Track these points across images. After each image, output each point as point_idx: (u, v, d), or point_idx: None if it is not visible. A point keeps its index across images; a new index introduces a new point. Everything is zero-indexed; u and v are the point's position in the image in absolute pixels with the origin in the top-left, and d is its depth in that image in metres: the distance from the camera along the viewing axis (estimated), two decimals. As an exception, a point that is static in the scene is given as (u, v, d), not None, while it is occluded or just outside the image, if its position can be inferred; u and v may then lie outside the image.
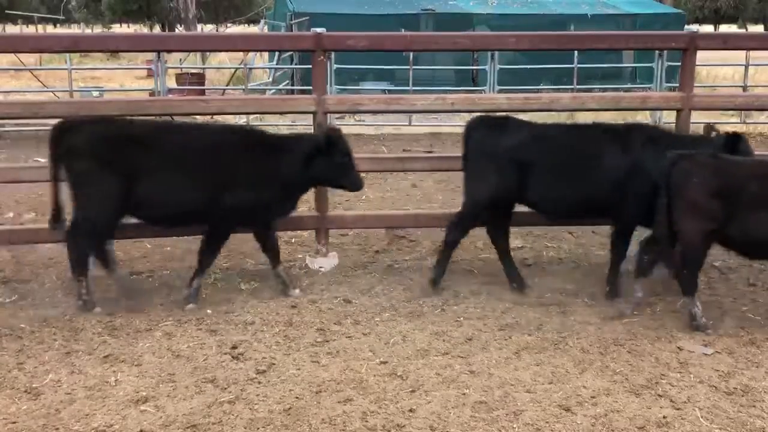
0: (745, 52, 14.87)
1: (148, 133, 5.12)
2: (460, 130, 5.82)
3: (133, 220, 5.26)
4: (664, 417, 3.68)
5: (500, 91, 13.68)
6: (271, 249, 5.45)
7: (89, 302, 5.03)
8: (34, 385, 3.98)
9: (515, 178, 5.24)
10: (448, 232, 5.47)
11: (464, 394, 3.90)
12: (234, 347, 4.45)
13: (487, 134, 5.39)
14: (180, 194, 5.02)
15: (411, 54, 15.20)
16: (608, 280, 5.36)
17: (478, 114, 5.80)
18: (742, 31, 46.71)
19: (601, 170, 5.18)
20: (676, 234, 4.77)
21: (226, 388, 3.95)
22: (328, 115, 5.87)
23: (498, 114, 5.84)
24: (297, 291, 5.38)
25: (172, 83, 16.47)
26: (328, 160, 5.18)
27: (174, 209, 5.08)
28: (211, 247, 5.23)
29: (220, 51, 18.24)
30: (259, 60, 20.48)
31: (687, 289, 4.80)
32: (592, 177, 5.21)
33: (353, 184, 5.36)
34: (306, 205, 7.81)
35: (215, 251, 5.27)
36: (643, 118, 14.27)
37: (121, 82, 22.54)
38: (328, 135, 5.21)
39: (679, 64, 6.14)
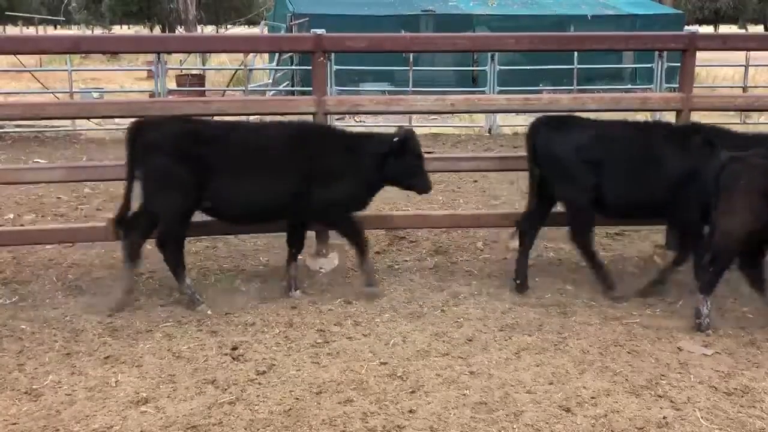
0: (744, 52, 14.88)
1: (224, 131, 5.21)
2: (460, 131, 5.82)
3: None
4: (664, 417, 3.69)
5: (500, 92, 13.68)
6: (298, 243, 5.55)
7: (196, 300, 5.12)
8: (34, 387, 3.99)
9: (589, 177, 5.22)
10: (575, 243, 5.47)
11: (464, 394, 3.91)
12: (234, 348, 4.45)
13: (553, 134, 5.38)
14: (257, 192, 5.10)
15: (411, 55, 15.21)
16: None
17: (542, 114, 5.79)
18: (742, 31, 46.72)
19: (665, 170, 5.16)
20: (713, 233, 4.75)
21: (226, 389, 3.96)
22: (328, 116, 5.87)
23: (561, 113, 5.85)
24: (297, 292, 5.39)
25: (172, 84, 16.48)
26: (400, 161, 5.23)
27: (250, 206, 5.17)
28: (297, 242, 5.43)
29: (221, 52, 18.26)
30: (260, 61, 20.47)
31: (705, 287, 4.78)
32: (657, 177, 5.17)
33: (423, 186, 5.39)
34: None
35: (302, 245, 5.47)
36: (642, 118, 14.28)
37: (121, 84, 22.55)
38: (403, 136, 5.24)
39: (679, 64, 6.14)
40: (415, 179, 5.35)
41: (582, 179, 5.25)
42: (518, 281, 5.50)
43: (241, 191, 5.07)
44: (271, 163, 5.13)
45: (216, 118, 5.85)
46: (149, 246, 6.39)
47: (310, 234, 6.21)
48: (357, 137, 5.55)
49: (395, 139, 5.24)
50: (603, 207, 5.36)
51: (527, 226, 5.61)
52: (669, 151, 5.20)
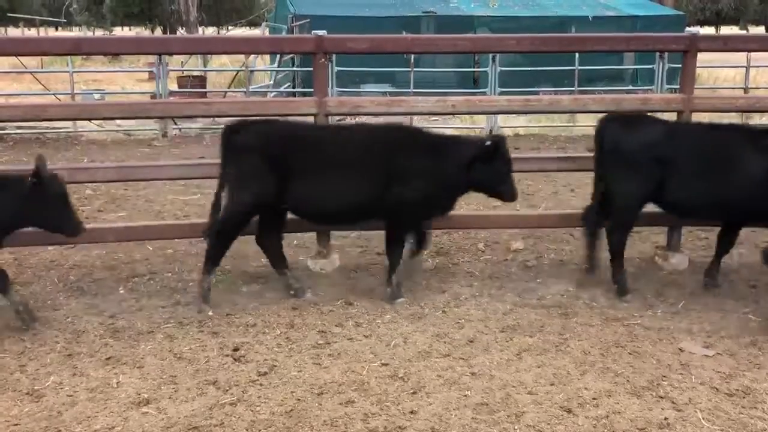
0: (745, 53, 14.87)
1: (314, 133, 5.32)
2: (461, 132, 5.83)
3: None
4: (666, 419, 3.69)
5: (501, 93, 13.68)
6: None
7: (207, 298, 5.17)
8: (36, 388, 3.99)
9: (656, 178, 5.20)
10: (609, 240, 5.44)
11: (466, 395, 3.91)
12: (236, 349, 4.45)
13: (623, 133, 5.36)
14: (343, 192, 5.14)
15: (412, 56, 15.21)
16: None
17: (611, 112, 5.76)
18: (743, 32, 46.71)
19: (740, 171, 5.11)
20: None
21: (227, 390, 3.96)
22: (329, 117, 5.87)
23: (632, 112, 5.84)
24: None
25: (173, 86, 16.49)
26: (490, 167, 5.19)
27: (337, 206, 5.21)
28: (393, 246, 5.35)
29: (222, 53, 18.25)
30: (261, 62, 20.49)
31: None
32: (732, 178, 5.12)
33: (509, 193, 5.35)
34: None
35: (399, 248, 5.34)
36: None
37: (122, 85, 22.57)
38: (494, 142, 5.20)
39: (680, 66, 6.14)
40: (503, 186, 5.30)
41: (644, 178, 5.22)
42: (587, 266, 5.57)
43: (325, 192, 5.14)
44: (356, 164, 5.17)
45: (217, 119, 5.88)
46: (150, 248, 6.42)
47: (312, 236, 6.23)
48: (445, 139, 5.55)
49: (487, 144, 5.19)
50: (667, 205, 5.36)
51: (591, 222, 5.60)
52: (745, 151, 5.14)
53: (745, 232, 6.75)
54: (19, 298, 4.79)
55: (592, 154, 5.68)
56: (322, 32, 5.82)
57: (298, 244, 6.58)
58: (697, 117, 6.09)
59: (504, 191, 5.35)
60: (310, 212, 5.34)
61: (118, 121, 13.53)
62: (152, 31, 44.15)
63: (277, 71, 17.88)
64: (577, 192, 8.60)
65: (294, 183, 5.08)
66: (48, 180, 4.63)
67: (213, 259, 5.20)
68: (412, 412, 3.73)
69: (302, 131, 5.34)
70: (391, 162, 5.15)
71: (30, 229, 4.89)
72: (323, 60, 5.79)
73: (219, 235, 5.16)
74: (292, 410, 3.75)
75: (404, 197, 5.12)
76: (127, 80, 23.87)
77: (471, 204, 7.35)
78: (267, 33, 21.15)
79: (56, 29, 49.03)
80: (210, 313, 5.03)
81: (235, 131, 5.21)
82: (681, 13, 25.41)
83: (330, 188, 5.13)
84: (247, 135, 5.17)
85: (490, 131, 5.61)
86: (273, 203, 5.16)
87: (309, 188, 5.11)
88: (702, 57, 6.29)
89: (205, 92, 17.32)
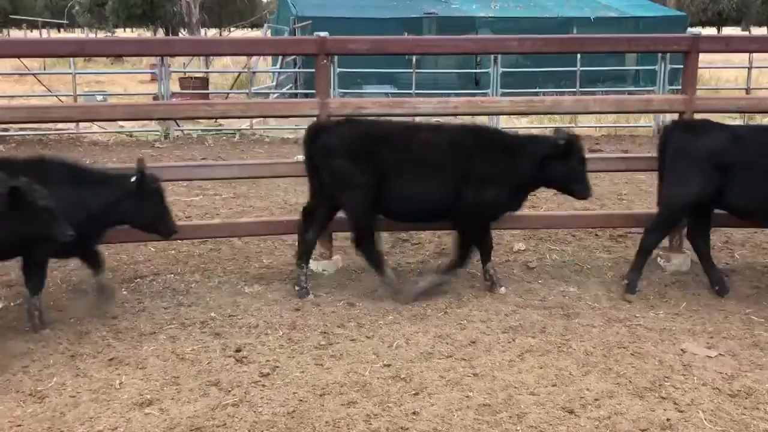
0: (748, 54, 14.86)
1: (395, 132, 5.38)
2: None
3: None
4: (668, 419, 3.68)
5: (503, 94, 13.69)
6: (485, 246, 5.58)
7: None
8: (39, 388, 4.00)
9: (717, 182, 5.20)
10: (645, 237, 5.50)
11: (468, 396, 3.91)
12: (238, 350, 4.46)
13: (687, 137, 5.38)
14: (425, 191, 5.22)
15: (414, 57, 15.22)
16: None
17: (676, 118, 5.78)
18: (745, 33, 46.68)
19: None
20: None
21: (230, 391, 3.97)
22: (331, 118, 5.88)
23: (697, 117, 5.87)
24: (503, 289, 5.48)
25: (175, 87, 16.51)
26: (563, 165, 5.23)
27: (419, 205, 5.30)
28: (471, 242, 5.41)
29: (225, 55, 18.28)
30: (263, 64, 20.51)
31: None
32: None
33: (583, 191, 5.36)
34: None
35: (472, 244, 5.43)
36: (646, 120, 14.30)
37: (124, 86, 22.61)
38: (567, 140, 5.24)
39: (682, 66, 6.15)
40: (577, 184, 5.33)
41: (701, 185, 5.22)
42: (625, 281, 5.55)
43: (407, 190, 5.22)
44: (436, 163, 5.24)
45: (220, 120, 5.91)
46: (152, 248, 6.43)
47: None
48: (519, 138, 5.60)
49: (560, 142, 5.23)
50: (728, 207, 5.37)
51: (690, 232, 5.61)
52: None
53: (746, 233, 6.77)
54: (39, 302, 4.82)
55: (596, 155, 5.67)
56: (324, 33, 5.83)
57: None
58: (700, 117, 6.08)
59: (577, 189, 5.37)
60: (392, 210, 5.41)
61: (120, 123, 13.55)
62: (154, 33, 44.19)
63: (279, 73, 17.90)
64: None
65: (380, 181, 5.17)
66: (149, 180, 4.90)
67: (376, 262, 5.35)
68: (414, 413, 3.74)
69: (386, 130, 5.41)
70: (469, 161, 5.22)
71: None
72: (325, 61, 5.79)
73: (362, 243, 5.34)
74: (294, 411, 3.76)
75: (481, 196, 5.20)
76: (129, 82, 23.93)
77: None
78: (269, 34, 21.18)
79: (59, 31, 49.07)
80: (212, 314, 5.05)
81: (321, 131, 5.35)
82: (683, 13, 25.41)
83: (412, 187, 5.22)
84: (334, 135, 5.29)
85: (556, 130, 5.62)
86: (376, 200, 5.27)
87: (392, 187, 5.20)
88: (704, 58, 6.31)
89: (208, 94, 17.35)
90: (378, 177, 5.18)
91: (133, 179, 4.86)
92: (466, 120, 8.28)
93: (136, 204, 4.89)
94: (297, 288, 5.41)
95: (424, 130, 5.57)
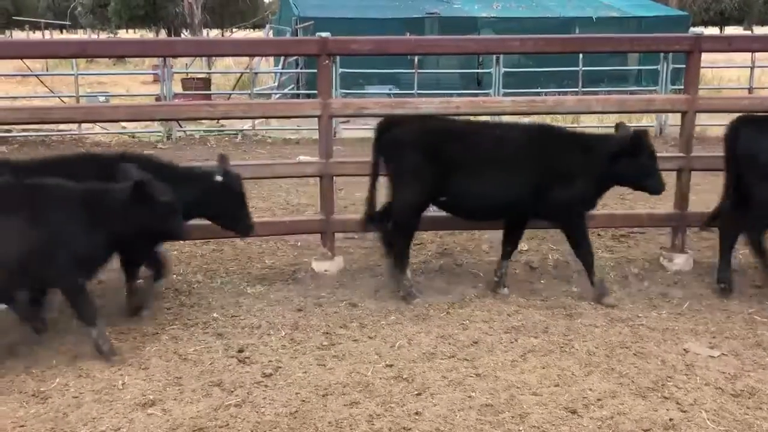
0: (750, 54, 14.84)
1: (466, 129, 5.40)
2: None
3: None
4: (671, 419, 3.68)
5: (505, 94, 13.69)
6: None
7: (412, 293, 5.32)
8: (41, 389, 4.00)
9: None
10: (749, 235, 5.44)
11: (470, 396, 3.91)
12: (240, 351, 4.46)
13: (758, 136, 5.34)
14: (493, 189, 5.23)
15: (416, 57, 15.23)
16: None
17: (743, 114, 5.72)
18: (748, 33, 46.60)
19: None
20: None
21: (232, 392, 3.97)
22: (334, 119, 5.89)
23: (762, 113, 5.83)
24: (506, 290, 5.50)
25: (178, 88, 16.53)
26: (634, 161, 5.21)
27: (489, 203, 5.29)
28: (579, 243, 5.38)
29: (226, 56, 18.30)
30: (265, 64, 20.53)
31: None
32: None
33: (656, 186, 5.34)
34: (312, 209, 7.85)
35: (587, 243, 5.39)
36: (648, 120, 14.28)
37: (127, 87, 22.64)
38: (636, 136, 5.23)
39: (684, 66, 6.14)
40: (650, 179, 5.30)
41: None
42: (722, 285, 5.49)
43: (478, 188, 5.22)
44: (508, 161, 5.24)
45: (222, 121, 5.90)
46: (155, 249, 6.42)
47: (315, 237, 6.23)
48: (591, 138, 5.60)
49: (630, 138, 5.22)
50: None
51: (724, 221, 5.58)
52: None
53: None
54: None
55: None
56: (326, 34, 5.83)
57: (302, 246, 6.59)
58: (702, 118, 6.08)
59: (650, 184, 5.34)
60: (464, 208, 5.43)
61: (122, 124, 13.58)
62: (156, 34, 44.27)
63: (281, 73, 17.92)
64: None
65: (450, 179, 5.19)
66: (232, 178, 4.98)
67: (400, 258, 5.38)
68: (416, 413, 3.74)
69: (457, 127, 5.43)
70: (544, 160, 5.22)
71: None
72: (327, 62, 5.80)
73: (398, 232, 5.35)
74: (296, 411, 3.76)
75: (560, 196, 5.20)
76: (131, 83, 23.97)
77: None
78: (271, 35, 21.20)
79: (61, 32, 49.19)
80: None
81: (392, 127, 5.37)
82: (685, 13, 25.40)
83: (484, 185, 5.21)
84: (406, 131, 5.31)
85: (617, 127, 5.60)
86: (433, 198, 5.31)
87: (463, 184, 5.20)
88: (706, 57, 6.29)
89: (210, 94, 17.36)
90: (444, 175, 5.17)
91: (218, 176, 4.91)
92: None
93: (220, 200, 4.95)
94: (401, 293, 5.36)
95: (499, 128, 5.58)
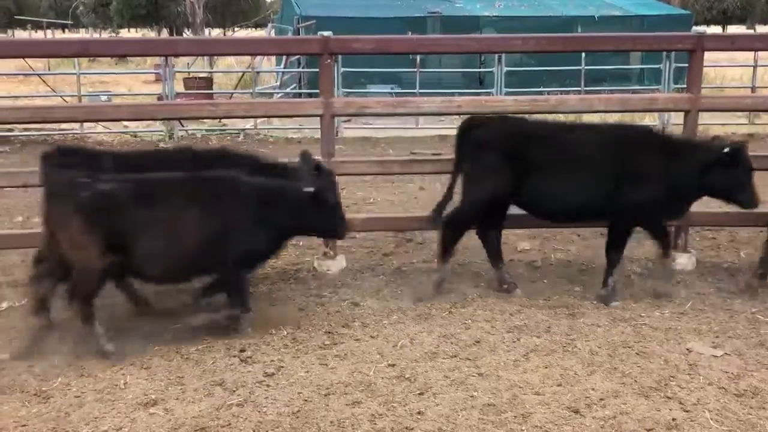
0: (753, 52, 14.82)
1: (548, 130, 5.40)
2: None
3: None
4: (674, 419, 3.67)
5: (507, 93, 13.68)
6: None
7: (440, 288, 5.38)
8: (43, 389, 4.01)
9: None
10: None
11: (472, 396, 3.90)
12: (242, 350, 4.46)
13: None
14: (576, 190, 5.20)
15: (418, 57, 15.22)
16: None
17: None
18: (750, 31, 46.54)
19: None
20: None
21: (234, 391, 3.96)
22: (335, 118, 5.88)
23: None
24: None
25: (179, 87, 16.54)
26: (727, 172, 5.04)
27: (569, 204, 5.27)
28: (615, 245, 5.36)
29: (228, 55, 18.30)
30: (267, 64, 20.53)
31: None
32: None
33: (750, 201, 5.15)
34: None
35: (620, 248, 5.36)
36: (651, 119, 14.26)
37: (129, 87, 22.64)
38: (733, 147, 5.08)
39: (687, 65, 6.12)
40: (743, 194, 5.11)
41: None
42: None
43: (557, 188, 5.20)
44: (589, 162, 5.20)
45: (224, 120, 5.91)
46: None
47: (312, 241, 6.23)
48: (680, 142, 5.45)
49: (725, 150, 5.02)
50: None
51: None
52: None
53: (751, 232, 6.74)
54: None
55: None
56: (327, 33, 5.82)
57: (304, 245, 6.59)
58: (705, 116, 6.06)
59: (742, 199, 5.15)
60: (542, 208, 5.41)
61: (124, 123, 13.58)
62: (158, 33, 44.29)
63: (283, 72, 17.92)
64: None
65: (530, 179, 5.18)
66: (326, 173, 4.98)
67: (447, 249, 5.39)
68: (419, 413, 3.73)
69: (538, 128, 5.43)
70: (623, 162, 5.16)
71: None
72: (329, 61, 5.79)
73: (452, 226, 5.36)
74: (298, 411, 3.75)
75: (634, 198, 5.12)
76: (133, 82, 23.97)
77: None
78: (273, 34, 21.19)
79: (63, 31, 49.24)
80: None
81: (474, 127, 5.42)
82: (687, 12, 25.36)
83: (564, 186, 5.19)
84: (487, 131, 5.34)
85: (713, 138, 5.48)
86: (508, 198, 5.33)
87: (543, 185, 5.20)
88: (709, 56, 6.27)
89: (212, 94, 17.37)
90: (522, 176, 5.17)
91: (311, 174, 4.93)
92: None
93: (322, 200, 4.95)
94: (435, 285, 5.43)
95: (579, 129, 5.56)
